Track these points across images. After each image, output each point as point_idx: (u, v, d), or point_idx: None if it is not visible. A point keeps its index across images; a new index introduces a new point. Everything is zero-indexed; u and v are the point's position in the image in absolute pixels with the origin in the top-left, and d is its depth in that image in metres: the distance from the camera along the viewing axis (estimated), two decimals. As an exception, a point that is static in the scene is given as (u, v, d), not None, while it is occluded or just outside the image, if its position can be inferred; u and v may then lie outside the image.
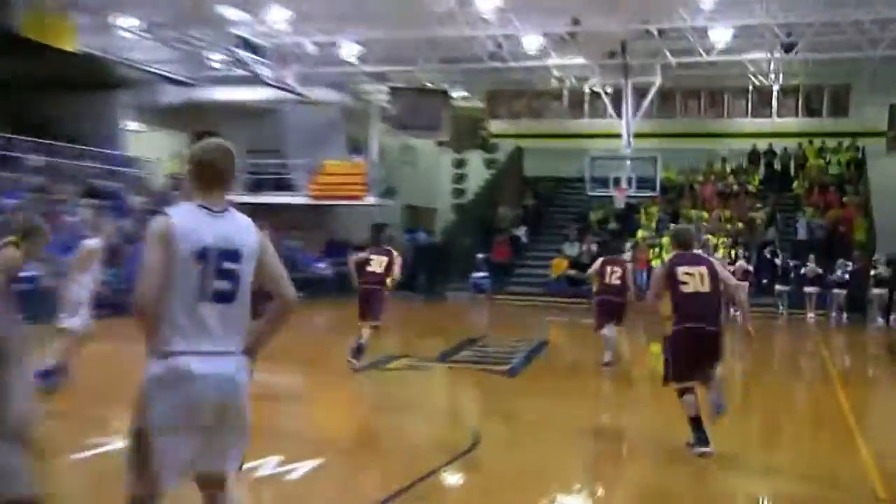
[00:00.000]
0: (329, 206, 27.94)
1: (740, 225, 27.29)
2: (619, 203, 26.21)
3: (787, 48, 22.74)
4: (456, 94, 28.84)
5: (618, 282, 12.47)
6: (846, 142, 29.59)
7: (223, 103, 26.12)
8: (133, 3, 21.69)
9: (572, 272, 25.42)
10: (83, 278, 9.20)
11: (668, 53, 24.04)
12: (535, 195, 31.56)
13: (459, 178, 33.41)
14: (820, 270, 23.25)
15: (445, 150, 32.53)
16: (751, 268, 23.77)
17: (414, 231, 30.03)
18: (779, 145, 30.03)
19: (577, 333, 17.12)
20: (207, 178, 3.62)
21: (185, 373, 3.37)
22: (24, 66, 22.01)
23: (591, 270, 13.28)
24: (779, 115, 29.62)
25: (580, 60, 24.87)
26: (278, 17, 22.29)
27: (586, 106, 30.08)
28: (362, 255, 11.82)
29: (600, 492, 6.85)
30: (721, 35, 22.62)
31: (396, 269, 11.61)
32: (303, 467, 6.50)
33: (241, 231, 3.61)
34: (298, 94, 25.50)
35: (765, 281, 24.45)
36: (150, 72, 25.92)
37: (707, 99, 29.96)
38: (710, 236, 25.91)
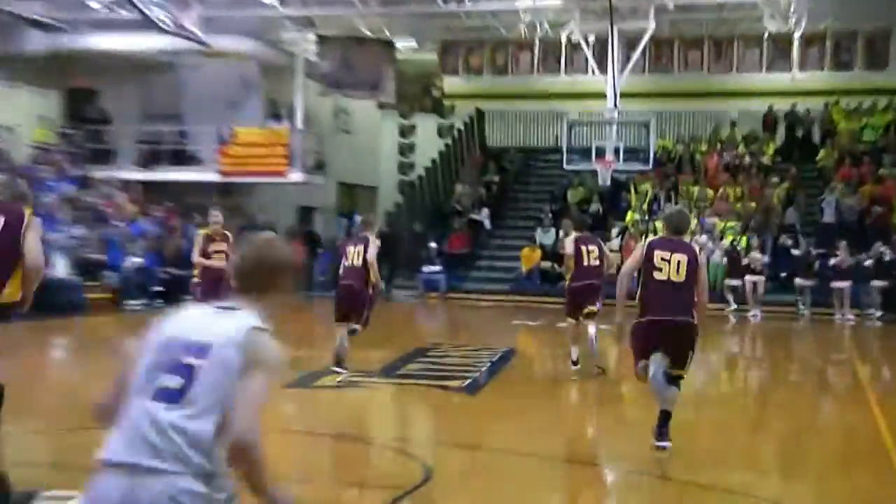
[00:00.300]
0: (243, 183, 27.82)
1: (753, 205, 27.45)
2: (604, 179, 26.31)
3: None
4: (401, 44, 28.79)
5: (597, 262, 12.65)
6: (884, 101, 29.91)
7: (105, 54, 25.81)
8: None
9: (547, 265, 25.59)
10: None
11: (663, -8, 24.24)
12: (500, 170, 31.61)
13: (406, 150, 33.43)
14: (852, 261, 23.32)
15: (389, 114, 32.49)
16: (766, 258, 23.98)
17: (350, 215, 29.98)
18: (801, 106, 30.37)
19: (551, 340, 17.22)
20: None
21: None
22: None
23: (566, 253, 13.22)
24: (801, 69, 29.77)
25: (555, 1, 24.98)
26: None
27: (563, 59, 30.15)
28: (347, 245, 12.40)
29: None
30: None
31: (370, 255, 11.87)
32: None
33: None
34: (202, 44, 25.21)
35: (783, 274, 24.63)
36: (8, 13, 25.46)
37: (712, 50, 30.11)
38: (716, 219, 26.14)
